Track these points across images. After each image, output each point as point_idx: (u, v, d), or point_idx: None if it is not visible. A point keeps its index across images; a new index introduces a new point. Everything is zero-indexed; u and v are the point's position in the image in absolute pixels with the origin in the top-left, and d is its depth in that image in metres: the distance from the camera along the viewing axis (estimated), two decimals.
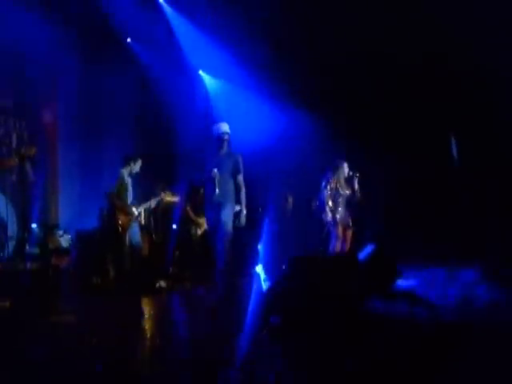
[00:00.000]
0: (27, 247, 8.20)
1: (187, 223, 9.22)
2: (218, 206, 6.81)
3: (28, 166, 5.54)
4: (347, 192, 8.31)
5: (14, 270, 7.67)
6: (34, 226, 8.40)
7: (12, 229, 8.71)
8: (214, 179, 6.79)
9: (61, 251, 8.51)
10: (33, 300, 6.19)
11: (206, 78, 10.92)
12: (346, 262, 5.32)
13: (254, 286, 7.23)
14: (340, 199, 8.29)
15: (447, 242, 8.25)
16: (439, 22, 8.20)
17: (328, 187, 8.28)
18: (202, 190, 9.09)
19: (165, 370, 3.64)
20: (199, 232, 9.21)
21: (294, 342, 4.25)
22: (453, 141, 9.33)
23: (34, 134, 9.82)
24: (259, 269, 8.87)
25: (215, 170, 6.80)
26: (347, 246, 8.31)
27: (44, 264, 8.18)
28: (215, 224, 6.85)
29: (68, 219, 9.81)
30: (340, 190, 8.30)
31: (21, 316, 5.35)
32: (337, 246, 8.23)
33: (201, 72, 10.87)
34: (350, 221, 8.36)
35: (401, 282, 6.24)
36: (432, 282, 7.06)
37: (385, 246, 6.10)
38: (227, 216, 6.81)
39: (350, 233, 8.36)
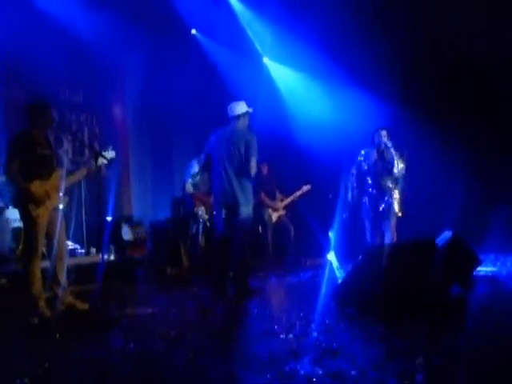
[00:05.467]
0: (103, 240, 8.39)
1: (261, 210, 9.19)
2: None
3: (100, 161, 5.62)
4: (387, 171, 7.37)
5: (91, 263, 7.94)
6: (108, 218, 8.59)
7: (88, 222, 8.99)
8: None
9: (136, 243, 8.70)
10: (109, 292, 6.35)
11: (271, 66, 10.86)
12: (425, 250, 5.17)
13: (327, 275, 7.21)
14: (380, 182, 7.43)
15: None
16: None
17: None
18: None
19: (239, 360, 3.66)
20: (274, 219, 9.18)
21: (372, 333, 4.19)
22: None
23: (105, 129, 10.04)
24: (331, 256, 8.81)
25: None
26: (393, 236, 7.46)
27: (120, 256, 8.40)
28: None
29: (141, 211, 10.02)
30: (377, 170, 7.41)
31: (100, 309, 5.46)
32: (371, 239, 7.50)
33: (266, 59, 10.82)
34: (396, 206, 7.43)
35: (480, 269, 6.08)
36: None
37: (463, 232, 5.92)
38: None
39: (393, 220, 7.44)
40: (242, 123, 6.47)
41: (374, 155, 7.42)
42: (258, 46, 10.60)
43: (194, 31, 10.53)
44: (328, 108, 9.86)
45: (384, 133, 7.43)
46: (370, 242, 7.51)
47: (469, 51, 8.70)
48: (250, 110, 6.55)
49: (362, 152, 7.57)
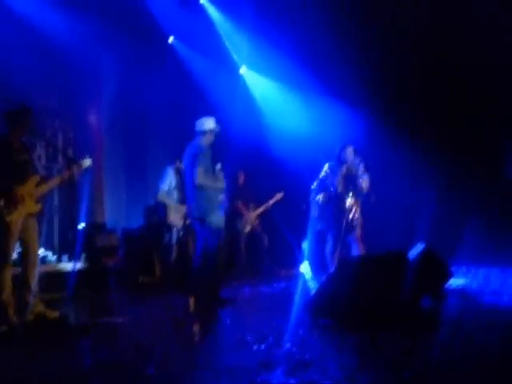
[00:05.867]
0: (75, 247, 8.31)
1: (236, 219, 9.18)
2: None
3: (75, 169, 5.58)
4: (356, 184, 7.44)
5: (61, 270, 7.84)
6: (81, 225, 8.49)
7: (59, 229, 8.87)
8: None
9: (108, 250, 8.60)
10: (80, 300, 6.28)
11: (249, 75, 10.88)
12: (397, 262, 5.20)
13: (301, 286, 7.22)
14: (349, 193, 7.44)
15: (498, 239, 8.07)
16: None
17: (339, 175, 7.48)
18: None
19: (212, 372, 3.64)
20: (247, 228, 9.19)
21: (345, 344, 4.20)
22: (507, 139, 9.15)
23: (80, 135, 9.93)
24: (304, 267, 8.83)
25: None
26: (361, 246, 7.46)
27: (92, 264, 8.30)
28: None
29: (114, 218, 9.91)
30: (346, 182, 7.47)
31: (71, 317, 5.39)
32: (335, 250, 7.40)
33: (243, 69, 10.83)
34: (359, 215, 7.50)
35: (452, 281, 6.13)
36: (484, 281, 6.93)
37: (434, 244, 5.98)
38: None
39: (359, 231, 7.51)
40: (206, 139, 6.49)
41: (341, 171, 7.48)
42: (234, 56, 10.61)
43: (171, 39, 10.50)
44: (304, 118, 9.91)
45: (351, 149, 7.51)
46: (331, 255, 7.45)
47: (444, 61, 8.84)
48: (216, 129, 6.58)
49: (326, 167, 7.61)
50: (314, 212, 8.40)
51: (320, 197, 7.84)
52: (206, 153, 6.46)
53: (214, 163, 6.52)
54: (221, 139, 7.94)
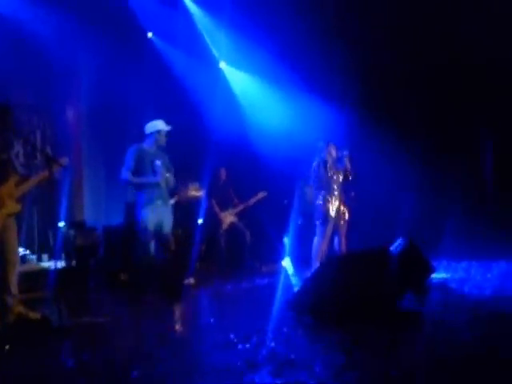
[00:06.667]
0: (55, 246, 8.22)
1: (212, 218, 9.18)
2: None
3: (54, 167, 5.49)
4: (340, 177, 7.60)
5: (42, 270, 7.74)
6: (61, 224, 8.40)
7: (39, 227, 8.76)
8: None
9: (88, 249, 8.51)
10: (61, 300, 6.19)
11: (228, 71, 10.83)
12: (379, 258, 5.22)
13: (283, 282, 7.22)
14: (335, 186, 7.55)
15: (478, 234, 8.17)
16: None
17: (321, 169, 7.50)
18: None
19: (198, 373, 3.62)
20: (224, 226, 9.18)
21: (330, 342, 4.19)
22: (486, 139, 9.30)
23: (58, 132, 9.82)
24: (286, 262, 8.84)
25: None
26: (344, 241, 7.60)
27: (72, 263, 8.22)
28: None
29: (94, 216, 9.82)
30: (333, 175, 7.56)
31: (51, 317, 5.32)
32: (322, 245, 7.45)
33: (222, 64, 10.78)
34: (347, 212, 7.65)
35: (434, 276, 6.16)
36: (465, 275, 6.99)
37: (415, 239, 6.00)
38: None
39: (345, 226, 7.64)
40: (157, 140, 6.81)
41: (326, 165, 7.51)
42: (214, 51, 10.56)
43: (150, 34, 10.41)
44: (285, 114, 9.90)
45: (333, 145, 7.61)
46: (318, 251, 7.46)
47: (428, 59, 8.90)
48: (165, 129, 6.85)
49: (315, 163, 7.63)
50: (297, 206, 8.42)
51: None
52: (152, 153, 6.76)
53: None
54: (201, 135, 7.97)
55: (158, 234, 6.73)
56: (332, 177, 7.52)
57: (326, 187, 7.49)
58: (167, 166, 6.87)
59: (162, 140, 6.86)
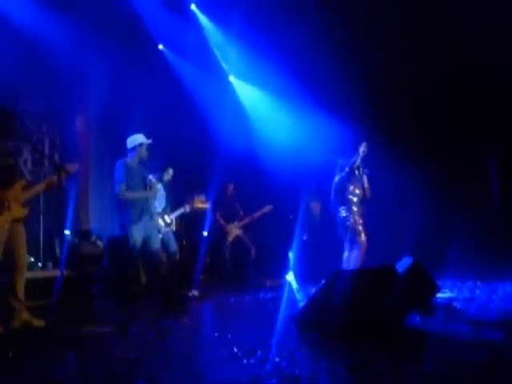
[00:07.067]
0: (60, 254, 8.22)
1: (218, 230, 9.20)
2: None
3: (62, 174, 5.51)
4: (360, 193, 7.62)
5: (47, 278, 7.73)
6: (66, 232, 8.41)
7: (44, 235, 8.77)
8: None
9: (94, 258, 8.52)
10: (66, 308, 6.19)
11: (237, 84, 10.88)
12: (385, 276, 5.21)
13: (287, 296, 7.20)
14: (354, 200, 7.57)
15: (484, 254, 8.15)
16: None
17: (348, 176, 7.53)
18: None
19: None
20: (229, 239, 9.18)
21: (335, 358, 4.18)
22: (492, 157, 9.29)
23: (66, 140, 9.85)
24: (290, 277, 8.83)
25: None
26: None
27: (77, 271, 8.22)
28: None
29: (100, 225, 9.83)
30: (355, 189, 7.60)
31: (55, 325, 5.32)
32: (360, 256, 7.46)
33: (231, 78, 10.83)
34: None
35: (438, 296, 6.15)
36: (470, 295, 6.95)
37: (421, 258, 5.99)
38: None
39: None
40: (139, 154, 6.96)
41: (353, 177, 7.60)
42: (224, 64, 10.62)
43: (160, 46, 10.48)
44: (292, 127, 9.94)
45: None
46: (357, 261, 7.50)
47: (438, 77, 8.91)
48: (146, 142, 7.02)
49: (336, 178, 7.67)
50: (302, 222, 8.42)
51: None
52: (136, 167, 6.92)
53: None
54: (208, 147, 7.98)
55: (147, 249, 6.79)
56: (354, 190, 7.54)
57: (347, 201, 7.52)
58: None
59: (144, 153, 6.98)
